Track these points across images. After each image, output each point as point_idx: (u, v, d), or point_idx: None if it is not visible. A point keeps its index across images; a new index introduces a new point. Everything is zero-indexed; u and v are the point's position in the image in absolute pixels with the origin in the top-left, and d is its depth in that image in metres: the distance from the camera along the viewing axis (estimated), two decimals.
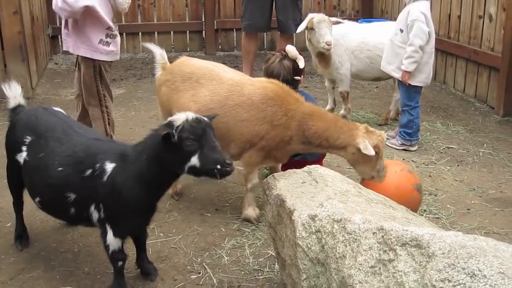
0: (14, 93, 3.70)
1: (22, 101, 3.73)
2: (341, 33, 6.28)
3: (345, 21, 6.29)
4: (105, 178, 3.07)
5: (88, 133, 3.41)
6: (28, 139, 3.42)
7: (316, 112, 4.08)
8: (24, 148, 3.43)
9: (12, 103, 3.69)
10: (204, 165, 2.99)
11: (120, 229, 3.16)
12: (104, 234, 3.18)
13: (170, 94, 4.34)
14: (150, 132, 3.18)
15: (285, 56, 4.58)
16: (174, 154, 2.99)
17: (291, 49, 4.64)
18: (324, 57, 6.22)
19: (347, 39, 6.26)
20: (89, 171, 3.11)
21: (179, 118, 3.00)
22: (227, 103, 4.08)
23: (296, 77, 4.59)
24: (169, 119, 3.06)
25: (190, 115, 3.02)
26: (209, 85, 4.20)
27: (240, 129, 4.05)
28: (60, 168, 3.20)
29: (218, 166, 2.98)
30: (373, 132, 4.00)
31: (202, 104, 4.13)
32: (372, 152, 3.84)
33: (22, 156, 3.44)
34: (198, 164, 2.99)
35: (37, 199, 3.43)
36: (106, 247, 3.19)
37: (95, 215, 3.18)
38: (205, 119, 3.07)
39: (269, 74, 4.52)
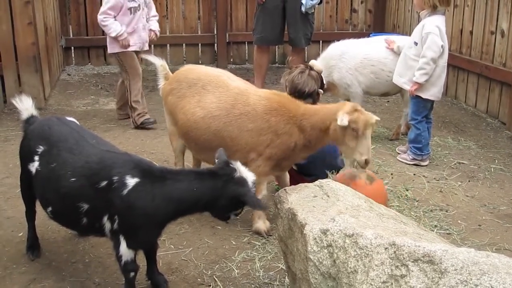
0: (26, 105, 3.73)
1: (34, 112, 3.76)
2: (338, 54, 6.31)
3: None
4: (125, 191, 3.06)
5: (101, 144, 3.42)
6: (40, 148, 3.44)
7: (309, 109, 4.10)
8: (36, 157, 3.45)
9: (24, 115, 3.73)
10: (240, 213, 3.30)
11: (135, 241, 3.18)
12: (117, 245, 3.18)
13: (177, 102, 4.36)
14: (210, 171, 3.28)
15: (311, 68, 4.59)
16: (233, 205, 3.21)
17: (316, 63, 4.70)
18: (328, 85, 6.25)
19: (347, 58, 6.27)
20: (104, 183, 3.11)
21: (249, 177, 3.19)
22: (232, 111, 4.10)
23: (320, 90, 4.60)
24: (240, 175, 3.17)
25: (251, 175, 3.23)
26: (216, 92, 4.22)
27: (244, 139, 4.07)
28: (73, 179, 3.21)
29: None
30: (360, 111, 3.94)
31: (208, 110, 4.16)
32: (343, 122, 3.81)
33: (34, 166, 3.46)
34: (238, 212, 3.28)
35: (49, 209, 3.44)
36: (119, 258, 3.20)
37: (107, 226, 3.18)
38: None
39: (294, 86, 4.50)
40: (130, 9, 6.56)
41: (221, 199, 3.13)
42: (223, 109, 4.13)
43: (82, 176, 3.20)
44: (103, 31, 10.08)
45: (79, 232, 3.59)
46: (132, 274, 3.25)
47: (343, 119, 3.82)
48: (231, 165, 3.19)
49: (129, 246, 3.16)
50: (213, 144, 4.13)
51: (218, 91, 4.22)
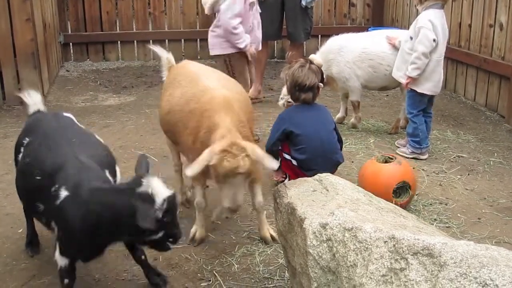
0: (34, 100, 3.74)
1: (41, 107, 3.76)
2: (336, 48, 6.34)
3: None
4: (58, 202, 2.99)
5: (78, 148, 3.29)
6: (26, 140, 3.46)
7: (218, 123, 3.67)
8: (22, 149, 3.47)
9: (31, 110, 3.74)
10: (163, 240, 3.03)
11: (65, 252, 3.09)
12: (54, 249, 3.13)
13: (162, 96, 4.35)
14: (118, 187, 3.12)
15: (311, 62, 4.59)
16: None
17: (315, 57, 4.70)
18: (327, 79, 6.25)
19: (345, 52, 6.29)
20: (53, 188, 3.04)
21: (159, 193, 2.90)
22: (185, 108, 3.92)
23: (320, 84, 4.60)
24: (145, 190, 2.89)
25: (167, 191, 2.95)
26: (185, 87, 4.08)
27: (184, 137, 3.91)
28: (38, 177, 3.15)
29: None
30: (231, 154, 3.41)
31: (171, 105, 4.07)
32: (188, 173, 3.46)
33: (19, 158, 3.49)
34: (160, 238, 3.00)
35: (22, 202, 3.47)
36: (55, 261, 3.13)
37: (56, 230, 3.12)
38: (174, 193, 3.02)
39: (295, 80, 4.49)
40: (250, 4, 5.86)
41: (125, 217, 2.86)
42: (180, 104, 3.98)
43: (45, 175, 3.12)
44: (101, 27, 10.25)
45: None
46: (66, 281, 3.13)
47: (190, 170, 3.42)
48: (142, 178, 2.94)
49: (61, 253, 3.08)
50: (173, 139, 4.18)
51: (187, 87, 4.07)
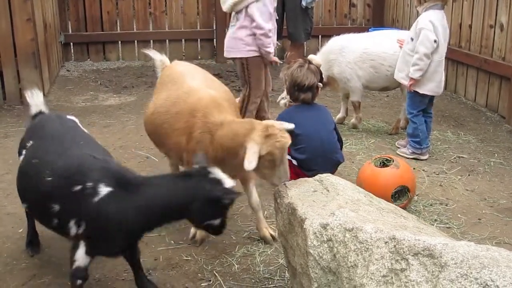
0: (36, 101, 3.74)
1: (43, 108, 3.76)
2: (338, 49, 6.34)
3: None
4: (97, 199, 2.97)
5: (88, 148, 3.33)
6: (30, 143, 3.44)
7: (224, 122, 3.72)
8: (24, 151, 3.46)
9: (33, 110, 3.73)
10: (220, 226, 3.18)
11: (95, 249, 3.09)
12: (74, 249, 3.09)
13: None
14: (184, 173, 3.23)
15: (310, 62, 4.59)
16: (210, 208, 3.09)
17: (314, 57, 4.69)
18: (328, 79, 6.26)
19: (347, 53, 6.29)
20: (78, 187, 3.01)
21: (226, 181, 3.07)
22: (171, 109, 3.95)
23: (319, 83, 4.60)
24: (215, 176, 3.07)
25: (231, 181, 3.10)
26: (171, 89, 4.13)
27: (174, 138, 3.92)
28: (49, 178, 3.12)
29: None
30: (273, 135, 3.48)
31: (156, 106, 4.11)
32: (248, 166, 3.35)
33: (21, 160, 3.47)
34: (219, 224, 3.17)
35: (25, 204, 3.44)
36: (72, 261, 3.10)
37: (73, 230, 3.07)
38: None
39: (294, 80, 4.50)
40: (274, 7, 5.59)
41: (196, 201, 3.01)
42: (165, 106, 4.01)
43: (58, 176, 3.11)
44: (102, 27, 10.25)
45: (51, 230, 3.44)
46: (79, 282, 3.13)
47: (250, 163, 3.36)
48: (207, 168, 3.11)
49: (87, 252, 3.07)
50: (157, 140, 4.21)
51: (173, 88, 4.11)
